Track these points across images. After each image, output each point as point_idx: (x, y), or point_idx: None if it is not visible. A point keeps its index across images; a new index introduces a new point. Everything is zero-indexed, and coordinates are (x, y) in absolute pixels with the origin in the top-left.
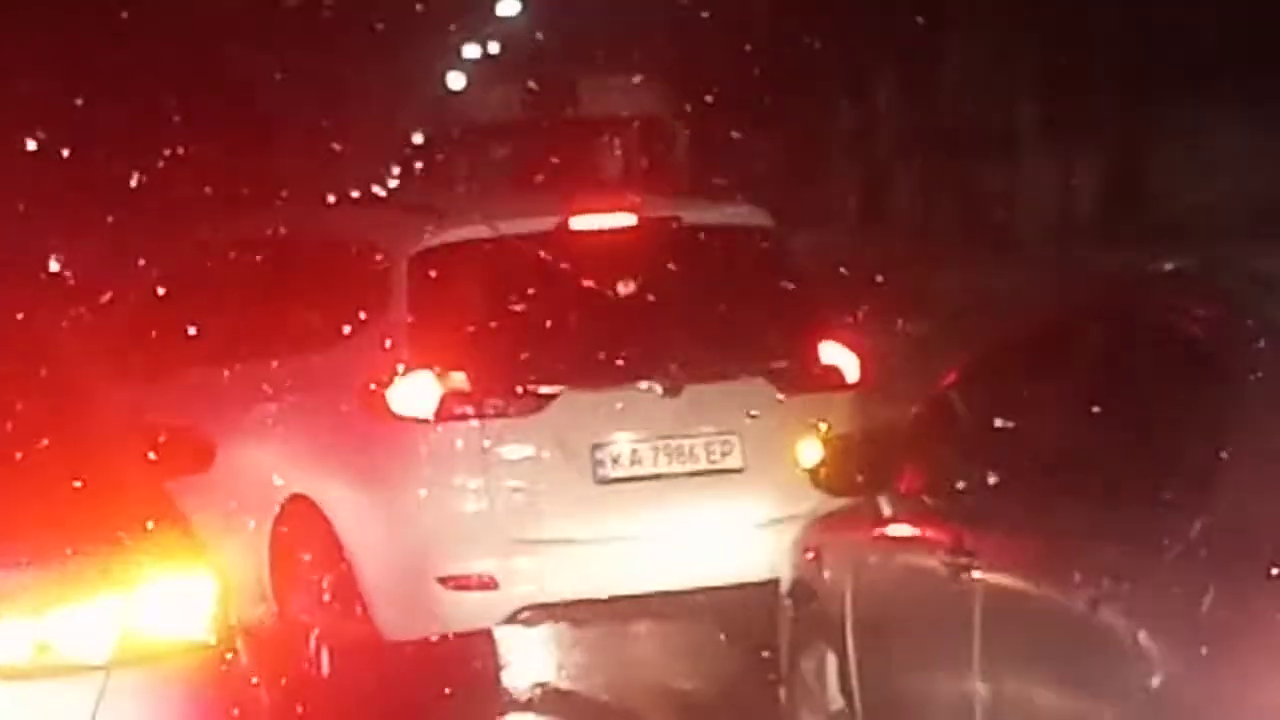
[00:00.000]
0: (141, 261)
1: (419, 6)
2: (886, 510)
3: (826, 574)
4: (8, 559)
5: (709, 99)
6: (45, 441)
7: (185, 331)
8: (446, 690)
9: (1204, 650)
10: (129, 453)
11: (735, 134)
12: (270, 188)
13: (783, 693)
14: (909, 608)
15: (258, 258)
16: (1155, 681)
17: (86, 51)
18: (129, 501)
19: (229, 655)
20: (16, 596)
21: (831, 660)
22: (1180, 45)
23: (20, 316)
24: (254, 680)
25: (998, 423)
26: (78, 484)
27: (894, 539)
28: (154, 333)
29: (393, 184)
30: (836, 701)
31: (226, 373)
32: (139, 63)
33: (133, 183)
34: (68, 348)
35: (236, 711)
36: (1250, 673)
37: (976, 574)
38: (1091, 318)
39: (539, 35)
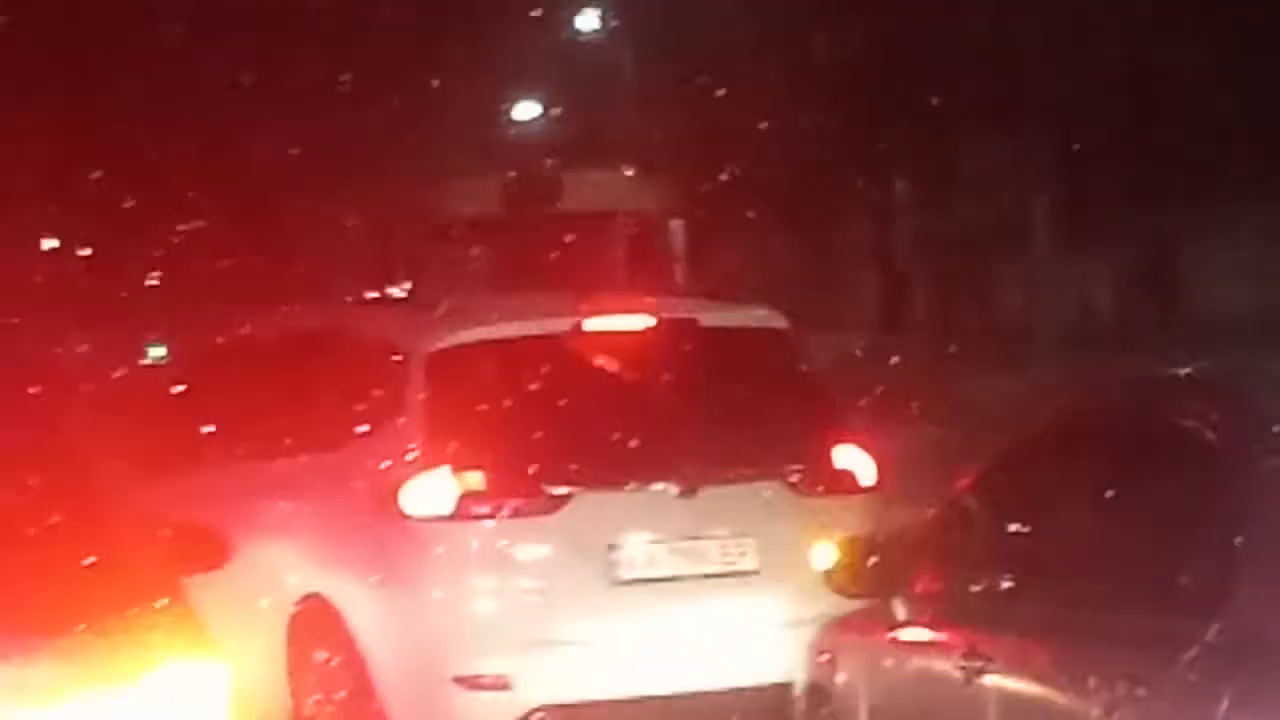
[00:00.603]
0: (156, 358)
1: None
2: (902, 613)
3: (841, 677)
4: (19, 643)
5: (713, 197)
6: (56, 518)
7: (200, 426)
8: None
9: None
10: (140, 536)
11: (738, 233)
12: (279, 267)
13: None
14: (924, 711)
15: (274, 353)
16: None
17: (97, 128)
18: (140, 582)
19: None
20: (29, 684)
21: None
22: (1201, 144)
23: (34, 392)
24: None
25: (1013, 526)
26: (88, 561)
27: (909, 642)
28: (168, 426)
29: (380, 284)
30: None
31: (243, 469)
32: (148, 141)
33: (147, 273)
34: (80, 427)
35: None
36: None
37: (991, 678)
38: (1108, 422)
39: (544, 124)
